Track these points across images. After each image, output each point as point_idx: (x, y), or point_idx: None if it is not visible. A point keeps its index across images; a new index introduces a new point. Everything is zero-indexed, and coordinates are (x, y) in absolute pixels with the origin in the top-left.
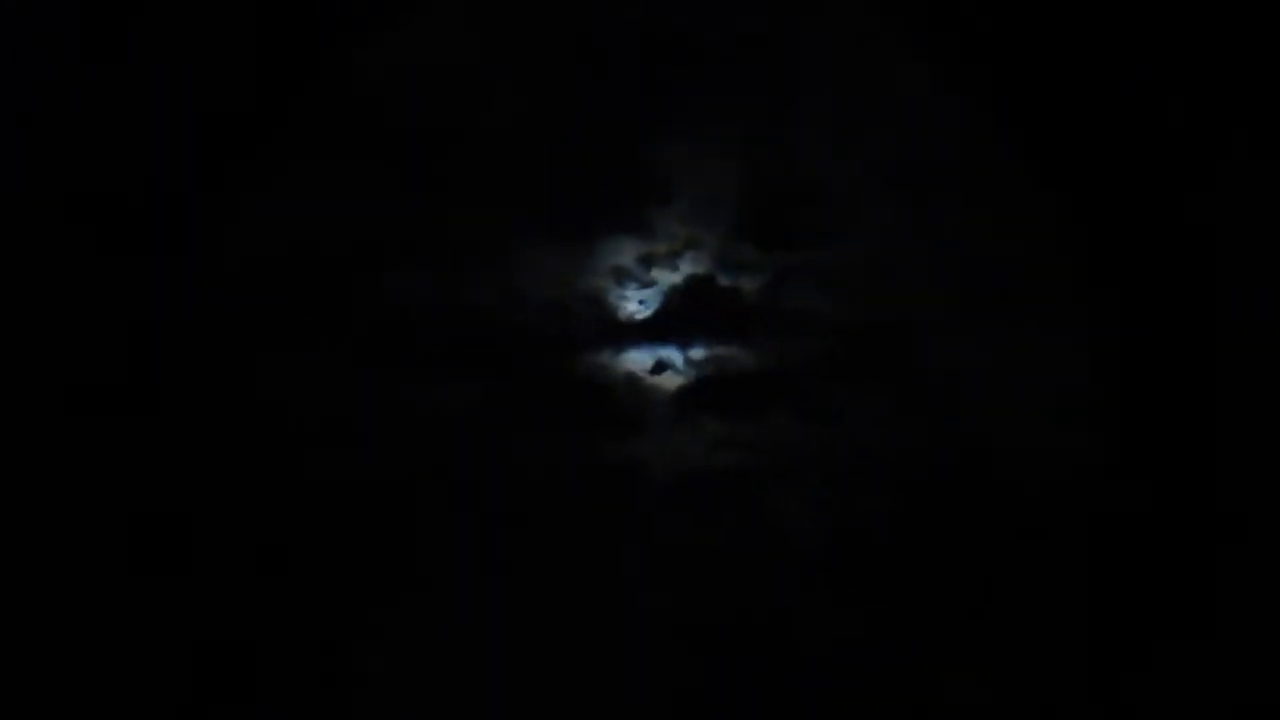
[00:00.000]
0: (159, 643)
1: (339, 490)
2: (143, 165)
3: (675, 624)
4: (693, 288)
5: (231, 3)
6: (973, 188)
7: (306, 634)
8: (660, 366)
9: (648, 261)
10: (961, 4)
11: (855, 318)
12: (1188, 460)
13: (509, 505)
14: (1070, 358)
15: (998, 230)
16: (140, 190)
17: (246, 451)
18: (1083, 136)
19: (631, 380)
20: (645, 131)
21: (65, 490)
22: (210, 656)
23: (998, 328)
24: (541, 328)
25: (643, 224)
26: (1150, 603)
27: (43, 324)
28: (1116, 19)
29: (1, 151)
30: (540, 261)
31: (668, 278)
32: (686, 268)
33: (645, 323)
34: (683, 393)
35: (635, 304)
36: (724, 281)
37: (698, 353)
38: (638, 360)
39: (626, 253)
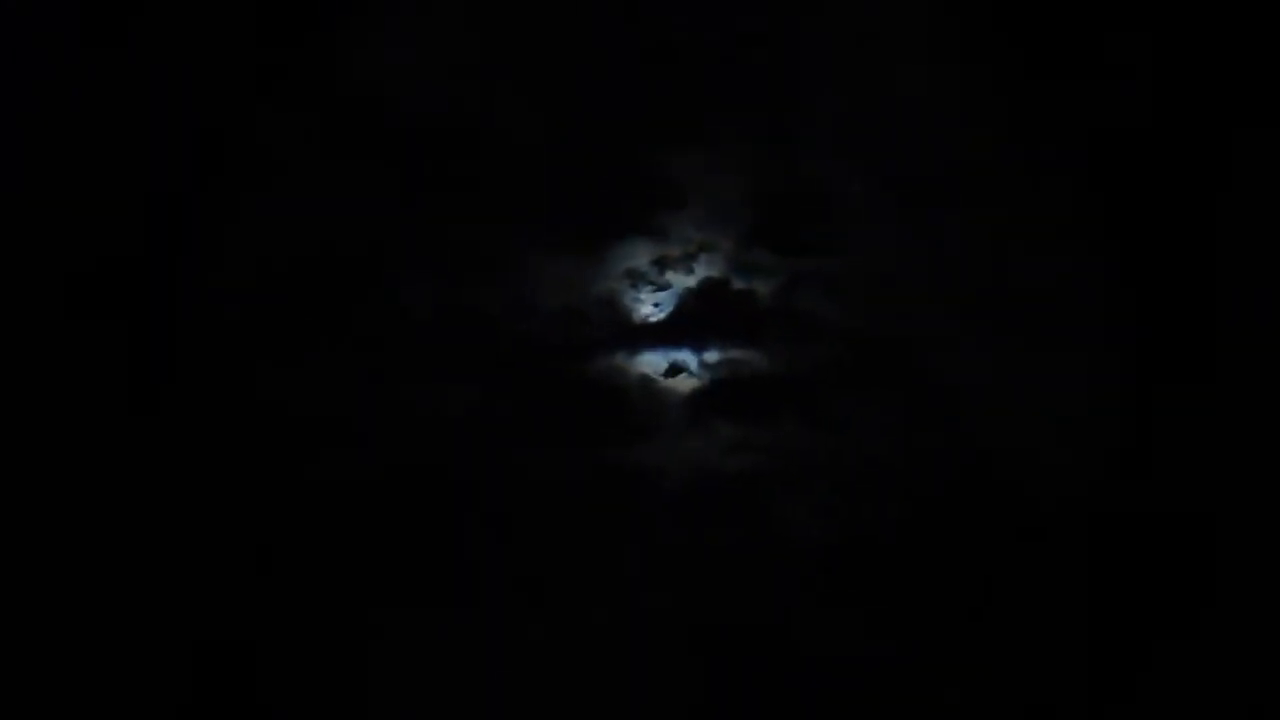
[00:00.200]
0: (160, 643)
1: (343, 492)
2: (143, 165)
3: (683, 627)
4: (707, 291)
5: (232, 3)
6: (981, 196)
7: (308, 634)
8: (674, 369)
9: (662, 265)
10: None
11: (864, 324)
12: (1188, 463)
13: (518, 508)
14: (1074, 366)
15: (1004, 240)
16: (141, 191)
17: (249, 452)
18: (1091, 146)
19: (645, 383)
20: (657, 135)
21: (66, 490)
22: (210, 657)
23: (1003, 336)
24: (555, 331)
25: (657, 228)
26: (1150, 603)
27: (43, 325)
28: (1119, 21)
29: (1, 152)
30: (554, 265)
31: (682, 281)
32: (701, 271)
33: (659, 326)
34: (697, 396)
35: (650, 307)
36: (738, 285)
37: (712, 356)
38: (652, 363)
39: (641, 256)
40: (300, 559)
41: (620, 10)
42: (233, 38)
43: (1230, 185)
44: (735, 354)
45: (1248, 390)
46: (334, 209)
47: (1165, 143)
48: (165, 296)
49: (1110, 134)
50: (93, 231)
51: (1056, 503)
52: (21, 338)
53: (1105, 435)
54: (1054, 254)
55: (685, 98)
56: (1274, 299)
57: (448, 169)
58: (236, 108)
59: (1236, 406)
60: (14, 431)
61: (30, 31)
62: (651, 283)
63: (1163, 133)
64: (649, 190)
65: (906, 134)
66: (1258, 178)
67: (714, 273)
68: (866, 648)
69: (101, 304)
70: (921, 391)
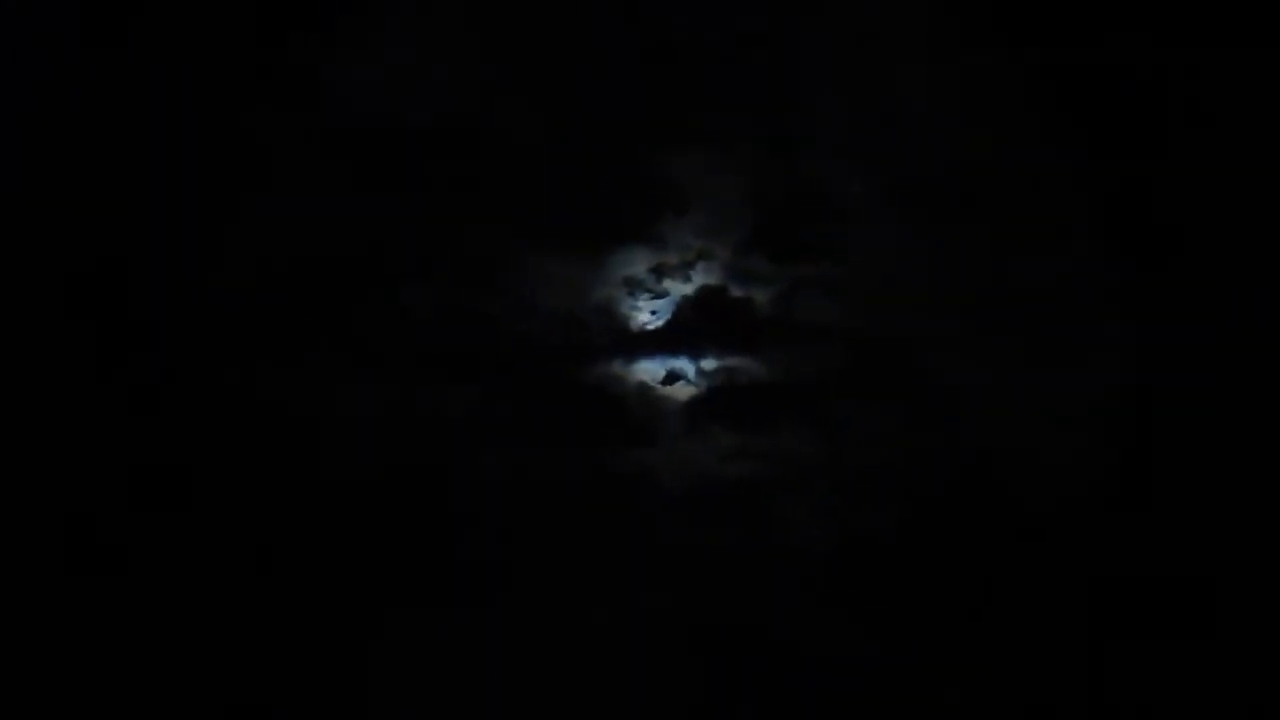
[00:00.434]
0: (161, 644)
1: (343, 492)
2: (143, 165)
3: (683, 627)
4: (705, 299)
5: (231, 3)
6: (981, 198)
7: (309, 634)
8: (672, 377)
9: (660, 272)
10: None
11: (863, 327)
12: (1188, 466)
13: (517, 511)
14: (1073, 367)
15: (1004, 240)
16: (141, 191)
17: (249, 452)
18: (1091, 146)
19: (643, 390)
20: (656, 135)
21: (66, 490)
22: (213, 655)
23: (1003, 337)
24: (553, 337)
25: (655, 235)
26: (1149, 603)
27: (43, 326)
28: (1119, 21)
29: (1, 152)
30: (553, 269)
31: (680, 289)
32: (699, 279)
33: (657, 333)
34: (694, 403)
35: (647, 314)
36: (736, 292)
37: (709, 363)
38: (649, 370)
39: (639, 263)
40: (300, 559)
41: (620, 10)
42: (232, 38)
43: (1230, 186)
44: (733, 361)
45: (1248, 391)
46: (334, 209)
47: (1165, 143)
48: (165, 297)
49: (1110, 134)
50: (93, 231)
51: (1056, 503)
52: (21, 338)
53: (1105, 436)
54: (1054, 254)
55: (685, 98)
56: (1274, 299)
57: (448, 170)
58: (236, 108)
59: (1236, 407)
60: (14, 430)
61: (30, 31)
62: (650, 290)
63: (1163, 133)
64: (648, 194)
65: (906, 135)
66: (1257, 178)
67: (712, 280)
68: (866, 648)
69: (101, 304)
70: (921, 393)
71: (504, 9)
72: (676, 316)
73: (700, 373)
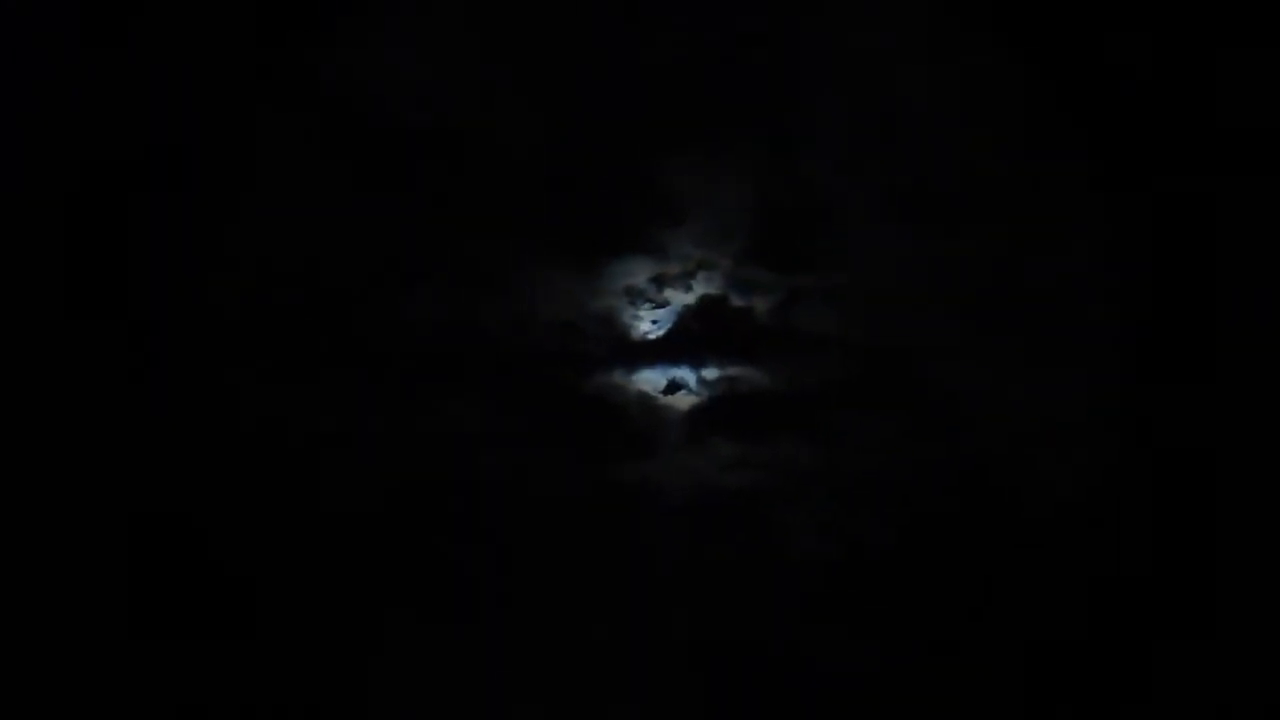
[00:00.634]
0: (162, 651)
1: (344, 505)
2: (143, 165)
3: (683, 639)
4: (705, 309)
5: (231, 3)
6: (981, 203)
7: (310, 647)
8: (673, 387)
9: (661, 282)
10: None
11: (863, 335)
12: (1187, 468)
13: (518, 521)
14: (1073, 373)
15: (1004, 246)
16: (141, 191)
17: (250, 467)
18: (1091, 147)
19: (644, 400)
20: (656, 138)
21: (67, 497)
22: (216, 664)
23: (1003, 343)
24: (554, 347)
25: (656, 245)
26: (1149, 608)
27: (43, 325)
28: (1119, 21)
29: (1, 152)
30: (553, 279)
31: (681, 299)
32: (699, 289)
33: (658, 343)
34: (695, 413)
35: (648, 324)
36: (736, 302)
37: (710, 373)
38: (650, 380)
39: (640, 273)
40: (301, 573)
41: (620, 11)
42: (232, 38)
43: (1230, 188)
44: (733, 371)
45: (1248, 391)
46: (333, 214)
47: (1165, 144)
48: (164, 298)
49: (1110, 134)
50: (93, 232)
51: (1055, 509)
52: (22, 338)
53: (1104, 442)
54: (1054, 260)
55: (685, 99)
56: (1274, 299)
57: (448, 179)
58: (235, 108)
59: (1237, 407)
60: (14, 434)
61: (30, 31)
62: (650, 300)
63: (1163, 134)
64: (649, 204)
65: (906, 138)
66: (1257, 179)
67: (712, 290)
68: (867, 657)
69: (101, 304)
70: (921, 401)
71: (504, 14)
72: (677, 326)
73: (701, 382)
